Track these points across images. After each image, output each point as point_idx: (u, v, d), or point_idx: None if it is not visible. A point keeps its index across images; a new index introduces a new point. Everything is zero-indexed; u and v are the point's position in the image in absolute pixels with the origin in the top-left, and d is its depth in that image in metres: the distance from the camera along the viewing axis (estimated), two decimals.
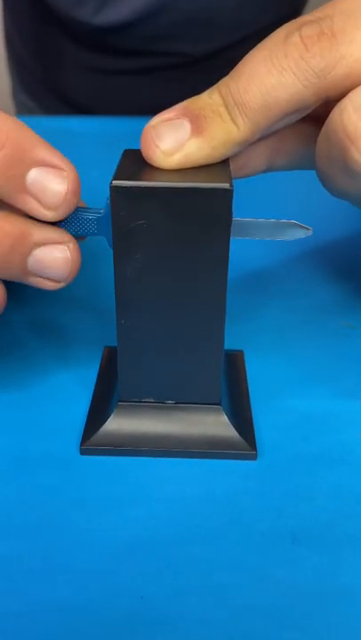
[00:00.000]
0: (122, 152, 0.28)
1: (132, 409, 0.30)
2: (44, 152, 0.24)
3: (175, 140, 0.25)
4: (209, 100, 0.26)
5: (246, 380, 0.32)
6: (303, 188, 0.56)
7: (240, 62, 0.26)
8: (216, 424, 0.29)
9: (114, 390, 0.31)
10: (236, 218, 0.26)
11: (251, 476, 0.28)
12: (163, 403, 0.29)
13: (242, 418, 0.30)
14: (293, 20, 0.25)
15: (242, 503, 0.26)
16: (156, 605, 0.23)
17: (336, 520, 0.26)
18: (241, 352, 0.34)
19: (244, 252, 0.44)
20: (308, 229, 0.26)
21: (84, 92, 0.74)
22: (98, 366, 0.34)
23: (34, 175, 0.23)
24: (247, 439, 0.29)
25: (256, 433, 0.29)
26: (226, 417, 0.29)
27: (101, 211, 0.26)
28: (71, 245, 0.26)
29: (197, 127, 0.25)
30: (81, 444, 0.29)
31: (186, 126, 0.25)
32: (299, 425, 0.30)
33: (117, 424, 0.30)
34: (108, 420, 0.30)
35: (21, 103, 0.82)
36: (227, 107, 0.25)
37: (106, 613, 0.23)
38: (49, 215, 0.24)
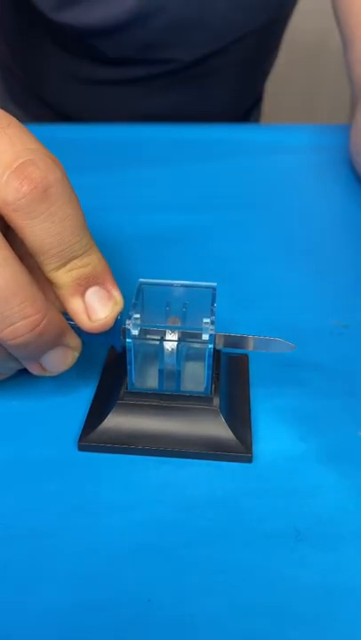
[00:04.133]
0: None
1: (131, 407, 0.30)
2: (109, 279, 0.29)
3: None
4: None
5: (248, 383, 0.33)
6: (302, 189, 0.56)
7: None
8: (213, 425, 0.30)
9: (115, 389, 0.31)
10: (225, 333, 0.30)
11: (250, 476, 0.29)
12: (162, 401, 0.30)
13: (240, 420, 0.30)
14: None
15: (243, 504, 0.27)
16: (164, 608, 0.24)
17: (338, 518, 0.27)
18: (246, 356, 0.35)
19: (244, 251, 0.45)
20: (292, 346, 0.30)
21: (74, 101, 0.73)
22: (101, 368, 0.34)
23: (93, 290, 0.28)
24: (243, 441, 0.29)
25: (255, 433, 0.30)
26: (223, 418, 0.30)
27: None
28: (76, 354, 0.30)
29: None
30: (79, 441, 0.30)
31: None
32: (297, 424, 0.31)
33: (116, 422, 0.30)
34: (107, 417, 0.30)
35: (7, 110, 0.80)
36: None
37: (113, 617, 0.23)
38: (87, 324, 0.28)
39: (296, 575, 0.25)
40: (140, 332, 0.29)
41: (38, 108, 0.76)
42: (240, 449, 0.29)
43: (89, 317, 0.28)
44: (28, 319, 0.26)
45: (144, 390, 0.30)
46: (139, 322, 0.28)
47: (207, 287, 0.30)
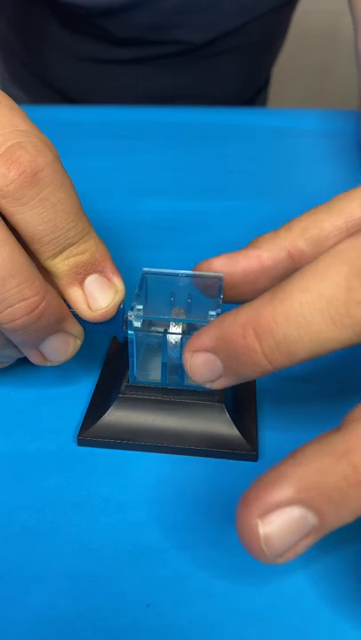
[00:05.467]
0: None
1: (132, 402, 0.29)
2: (109, 267, 0.28)
3: (207, 377, 0.24)
4: (241, 333, 0.22)
5: (255, 381, 0.32)
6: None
7: (282, 302, 0.22)
8: (218, 422, 0.28)
9: (117, 382, 0.30)
10: None
11: (256, 475, 0.27)
12: (165, 395, 0.29)
13: (245, 416, 0.29)
14: (349, 250, 0.21)
15: None
16: (163, 615, 0.23)
17: None
18: None
19: (250, 239, 0.44)
20: None
21: (77, 82, 0.71)
22: (103, 358, 0.33)
23: (92, 279, 0.27)
24: (249, 439, 0.28)
25: (260, 430, 0.29)
26: (228, 414, 0.28)
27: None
28: (78, 342, 0.29)
29: (228, 367, 0.23)
30: (78, 435, 0.29)
31: (218, 366, 0.24)
32: (304, 422, 0.30)
33: (117, 416, 0.29)
34: (108, 411, 0.29)
35: (10, 94, 0.78)
36: (262, 344, 0.22)
37: (110, 623, 0.22)
38: (87, 314, 0.28)
39: (301, 579, 0.24)
40: (143, 323, 0.28)
41: (40, 89, 0.75)
42: (245, 446, 0.28)
43: (89, 307, 0.27)
44: (27, 301, 0.25)
45: (146, 384, 0.29)
46: (141, 313, 0.27)
47: (214, 277, 0.29)
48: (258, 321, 0.22)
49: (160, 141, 0.57)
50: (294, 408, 0.31)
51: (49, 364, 0.29)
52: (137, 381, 0.29)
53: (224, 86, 0.73)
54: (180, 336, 0.27)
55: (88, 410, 0.30)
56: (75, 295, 0.27)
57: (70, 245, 0.26)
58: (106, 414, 0.29)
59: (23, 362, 0.32)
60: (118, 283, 0.28)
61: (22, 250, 0.25)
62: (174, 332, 0.27)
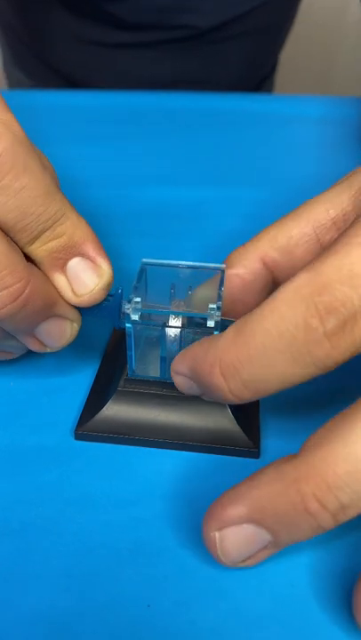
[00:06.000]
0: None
1: (132, 395, 0.28)
2: (92, 248, 0.26)
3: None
4: (208, 371, 0.23)
5: None
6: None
7: (246, 344, 0.22)
8: (219, 417, 0.28)
9: (116, 375, 0.29)
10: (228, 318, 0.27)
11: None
12: (165, 389, 0.28)
13: (247, 412, 0.28)
14: (305, 287, 0.21)
15: None
16: (164, 615, 0.22)
17: None
18: None
19: (253, 228, 0.43)
20: None
21: (81, 66, 0.70)
22: (104, 349, 0.32)
23: (74, 263, 0.26)
24: (250, 436, 0.28)
25: (262, 427, 0.28)
26: (230, 410, 0.28)
27: (110, 298, 0.27)
28: (75, 326, 0.28)
29: (201, 393, 0.25)
30: (76, 429, 0.28)
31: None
32: (307, 420, 0.29)
33: (115, 410, 0.28)
34: (106, 405, 0.28)
35: (13, 76, 0.77)
36: (229, 383, 0.22)
37: (109, 624, 0.22)
38: (73, 300, 0.27)
39: (303, 580, 0.23)
40: (142, 316, 0.27)
41: (43, 72, 0.73)
42: (247, 443, 0.27)
43: (74, 292, 0.26)
44: (9, 289, 0.24)
45: (145, 378, 0.29)
46: (139, 306, 0.26)
47: (215, 269, 0.28)
48: (223, 360, 0.22)
49: (162, 127, 0.56)
50: (297, 404, 0.30)
51: (48, 350, 0.28)
52: (136, 375, 0.28)
53: (230, 72, 0.71)
54: (179, 329, 0.27)
55: (86, 403, 0.29)
56: (58, 281, 0.26)
57: (45, 230, 0.25)
58: (104, 408, 0.28)
59: (22, 355, 0.32)
60: (103, 264, 0.26)
61: (4, 236, 0.24)
62: (173, 326, 0.27)
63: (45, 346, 0.28)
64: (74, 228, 0.26)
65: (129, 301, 0.26)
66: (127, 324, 0.27)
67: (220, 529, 0.21)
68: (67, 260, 0.26)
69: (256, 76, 0.76)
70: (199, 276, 0.29)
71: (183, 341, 0.27)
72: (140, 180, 0.48)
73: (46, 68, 0.73)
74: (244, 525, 0.21)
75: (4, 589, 0.23)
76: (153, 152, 0.52)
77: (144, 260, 0.28)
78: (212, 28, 0.65)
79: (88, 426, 0.28)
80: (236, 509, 0.21)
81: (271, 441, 0.28)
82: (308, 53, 1.38)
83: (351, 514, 0.20)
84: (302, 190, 0.48)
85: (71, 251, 0.26)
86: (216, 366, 0.22)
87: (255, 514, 0.21)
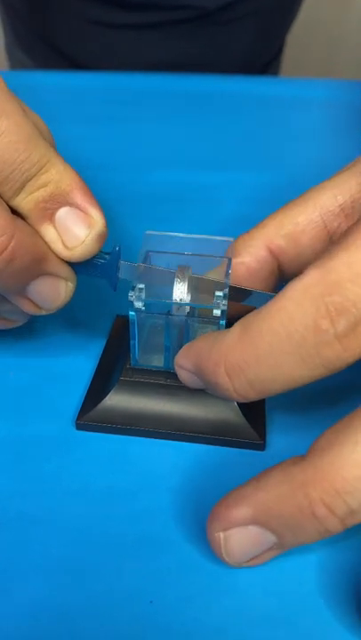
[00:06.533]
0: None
1: (134, 385, 0.28)
2: (80, 196, 0.25)
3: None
4: (212, 370, 0.22)
5: None
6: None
7: (252, 344, 0.21)
8: (224, 408, 0.27)
9: (118, 364, 0.28)
10: (237, 285, 0.27)
11: (261, 466, 0.26)
12: (168, 379, 0.27)
13: (253, 406, 0.28)
14: (315, 286, 0.20)
15: None
16: (167, 611, 0.22)
17: None
18: None
19: (258, 213, 0.42)
20: None
21: (84, 47, 0.68)
22: (106, 337, 0.32)
23: (62, 213, 0.24)
24: (256, 427, 0.27)
25: (268, 421, 0.28)
26: (235, 402, 0.27)
27: (107, 256, 0.26)
28: (70, 285, 0.26)
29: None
30: (77, 419, 0.27)
31: None
32: (313, 414, 0.28)
33: (118, 400, 0.28)
34: (108, 395, 0.28)
35: (15, 57, 0.75)
36: (234, 383, 0.22)
37: (111, 619, 0.21)
38: (64, 253, 0.25)
39: (308, 576, 0.23)
40: (146, 304, 0.26)
41: (45, 52, 0.72)
42: (253, 435, 0.27)
43: (64, 245, 0.25)
44: None
45: (149, 367, 0.28)
46: (143, 293, 0.26)
47: (222, 241, 0.27)
48: (228, 360, 0.22)
49: (165, 110, 0.55)
50: (303, 397, 0.29)
51: (44, 313, 0.27)
52: (139, 364, 0.28)
53: (235, 55, 0.70)
54: (184, 318, 0.26)
55: (87, 393, 0.28)
56: (47, 234, 0.25)
57: (29, 179, 0.23)
58: (106, 398, 0.28)
59: (21, 340, 0.31)
60: (94, 213, 0.25)
61: None
62: (178, 315, 0.26)
63: (39, 307, 0.26)
64: (60, 175, 0.24)
65: (132, 288, 0.26)
66: (130, 312, 0.26)
67: (224, 529, 0.21)
68: (54, 210, 0.24)
69: (262, 59, 0.75)
70: (205, 244, 0.28)
71: (188, 330, 0.26)
72: (141, 164, 0.47)
73: (49, 50, 0.71)
74: (250, 527, 0.20)
75: (2, 583, 0.22)
76: (155, 135, 0.51)
77: (147, 232, 0.27)
78: (218, 9, 0.64)
79: (89, 416, 0.27)
80: (241, 511, 0.20)
81: (277, 433, 0.27)
82: (313, 36, 1.36)
83: (360, 518, 0.19)
84: (307, 174, 0.47)
85: (59, 200, 0.24)
86: (221, 365, 0.22)
87: (261, 516, 0.20)
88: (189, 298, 0.25)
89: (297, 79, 0.62)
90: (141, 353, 0.28)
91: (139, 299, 0.26)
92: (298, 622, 0.21)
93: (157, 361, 0.28)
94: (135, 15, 0.64)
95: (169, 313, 0.26)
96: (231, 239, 0.27)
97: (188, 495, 0.25)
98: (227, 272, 0.26)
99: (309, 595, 0.22)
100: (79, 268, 0.26)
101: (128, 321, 0.26)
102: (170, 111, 0.55)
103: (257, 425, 0.27)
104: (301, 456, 0.20)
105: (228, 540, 0.21)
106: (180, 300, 0.25)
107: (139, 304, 0.26)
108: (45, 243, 0.25)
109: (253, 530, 0.20)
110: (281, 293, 0.21)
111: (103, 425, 0.27)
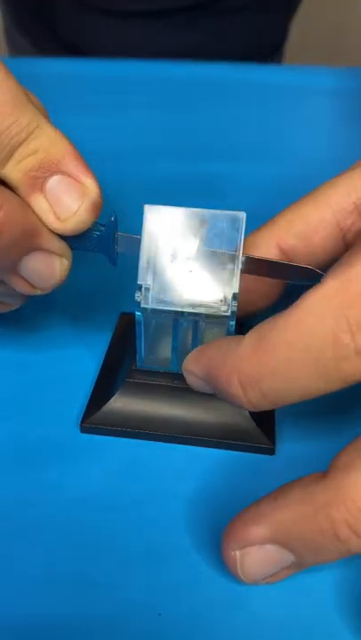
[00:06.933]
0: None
1: (140, 387, 0.27)
2: (73, 164, 0.23)
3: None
4: (225, 381, 0.21)
5: None
6: None
7: (267, 357, 0.20)
8: (233, 411, 0.26)
9: (124, 365, 0.28)
10: (250, 254, 0.25)
11: (271, 471, 0.25)
12: (176, 381, 0.26)
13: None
14: (334, 297, 0.19)
15: None
16: (176, 624, 0.21)
17: None
18: None
19: (263, 208, 0.41)
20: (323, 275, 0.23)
21: (86, 34, 0.67)
22: (110, 335, 0.31)
23: (53, 182, 0.23)
24: (266, 432, 0.26)
25: (278, 425, 0.27)
26: None
27: (102, 228, 0.25)
28: (65, 261, 0.25)
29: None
30: (81, 422, 0.27)
31: None
32: (324, 419, 0.28)
33: (123, 403, 0.27)
34: (113, 397, 0.27)
35: (15, 42, 0.74)
36: (247, 394, 0.21)
37: (117, 633, 0.21)
38: (56, 225, 0.24)
39: (318, 587, 0.22)
40: (152, 302, 0.25)
41: (46, 38, 0.70)
42: (262, 439, 0.26)
43: (57, 216, 0.23)
44: None
45: (155, 369, 0.27)
46: (150, 293, 0.25)
47: (233, 215, 0.25)
48: (242, 371, 0.21)
49: (167, 98, 0.53)
50: (313, 400, 0.28)
51: (39, 292, 0.25)
52: (145, 366, 0.27)
53: (239, 43, 0.69)
54: (193, 318, 0.25)
55: (92, 395, 0.28)
56: (38, 204, 0.23)
57: (18, 146, 0.22)
58: (111, 400, 0.27)
59: (23, 338, 0.30)
60: (87, 181, 0.23)
61: None
62: (185, 312, 0.25)
63: (34, 287, 0.25)
64: (50, 142, 0.23)
65: (139, 289, 0.25)
66: (137, 312, 0.25)
67: (241, 548, 0.20)
68: (45, 179, 0.23)
69: (265, 47, 0.73)
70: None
71: (197, 331, 0.25)
72: (142, 154, 0.46)
73: (49, 35, 0.70)
74: (267, 546, 0.20)
75: (4, 594, 0.22)
76: (156, 124, 0.50)
77: (147, 205, 0.26)
78: None
79: (94, 419, 0.27)
80: (259, 530, 0.20)
81: (287, 437, 0.27)
82: (317, 22, 1.34)
83: None
84: (314, 165, 0.46)
85: (49, 168, 0.23)
86: (234, 376, 0.21)
87: (280, 536, 0.19)
88: (197, 295, 0.24)
89: (303, 67, 0.61)
90: (147, 353, 0.27)
91: (146, 299, 0.25)
92: (312, 638, 0.21)
93: (164, 361, 0.27)
94: (136, 3, 0.63)
95: (177, 313, 0.25)
96: (242, 214, 0.25)
97: (198, 502, 0.24)
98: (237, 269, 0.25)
99: (324, 609, 0.21)
100: (74, 242, 0.25)
101: (133, 318, 0.25)
102: (172, 99, 0.53)
103: (267, 429, 0.26)
104: (322, 474, 0.19)
105: (245, 559, 0.20)
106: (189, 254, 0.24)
107: (145, 304, 0.25)
108: (36, 215, 0.23)
109: (271, 549, 0.20)
110: (298, 304, 0.20)
111: (108, 428, 0.26)
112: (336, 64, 0.63)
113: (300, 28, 0.85)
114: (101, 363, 0.29)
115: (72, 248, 0.25)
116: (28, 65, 0.61)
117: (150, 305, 0.24)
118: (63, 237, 0.24)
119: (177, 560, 0.23)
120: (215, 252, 0.25)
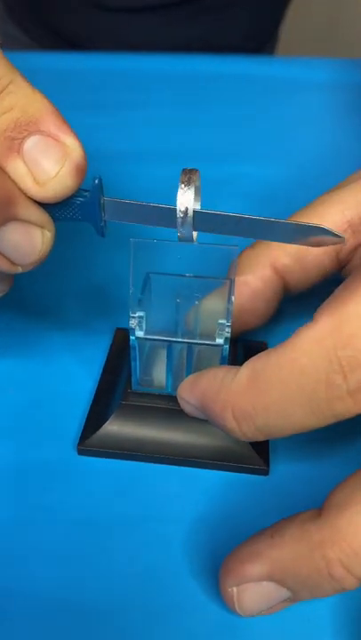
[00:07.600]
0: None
1: (135, 410, 0.27)
2: (52, 122, 0.21)
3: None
4: (220, 414, 0.22)
5: None
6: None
7: (261, 394, 0.20)
8: (227, 435, 0.26)
9: (119, 386, 0.28)
10: (252, 216, 0.23)
11: (266, 490, 0.26)
12: (171, 403, 0.27)
13: None
14: (328, 338, 0.19)
15: (260, 524, 0.24)
16: None
17: None
18: (264, 343, 0.31)
19: (265, 209, 0.41)
20: (339, 237, 0.22)
21: (83, 28, 0.65)
22: (106, 352, 0.31)
23: (32, 143, 0.21)
24: (260, 453, 0.26)
25: (272, 446, 0.27)
26: None
27: (86, 194, 0.22)
28: (47, 233, 0.22)
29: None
30: (78, 444, 0.27)
31: None
32: (318, 439, 0.28)
33: (119, 425, 0.27)
34: (109, 420, 0.27)
35: (7, 33, 0.72)
36: (241, 427, 0.21)
37: None
38: (34, 190, 0.21)
39: (324, 622, 0.22)
40: (147, 331, 0.25)
41: (42, 31, 0.69)
42: (256, 461, 0.26)
43: (36, 180, 0.21)
44: None
45: (150, 391, 0.27)
46: (144, 322, 0.25)
47: (228, 248, 0.25)
48: (237, 406, 0.21)
49: (165, 94, 0.53)
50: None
51: (20, 270, 0.23)
52: (140, 388, 0.27)
53: (233, 37, 0.68)
54: (186, 344, 0.25)
55: (88, 417, 0.28)
56: (14, 168, 0.21)
57: None
58: (107, 423, 0.27)
59: (18, 356, 0.30)
60: (68, 140, 0.21)
61: None
62: (180, 341, 0.25)
63: (14, 263, 0.23)
64: (27, 99, 0.21)
65: (133, 314, 0.25)
66: (131, 337, 0.25)
67: (238, 585, 0.21)
68: (22, 140, 0.20)
69: (261, 39, 0.72)
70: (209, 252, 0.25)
71: (190, 355, 0.25)
72: (136, 155, 0.45)
73: (45, 28, 0.68)
74: (264, 583, 0.20)
75: (2, 616, 0.22)
76: (150, 122, 0.49)
77: (132, 239, 0.24)
78: None
79: (90, 442, 0.27)
80: (255, 568, 0.20)
81: (281, 458, 0.27)
82: (313, 12, 1.32)
83: None
84: (309, 165, 0.46)
85: (26, 127, 0.20)
86: (228, 410, 0.21)
87: (276, 574, 0.20)
88: (191, 323, 0.25)
89: (298, 59, 0.60)
90: (143, 375, 0.27)
91: (140, 327, 0.25)
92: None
93: (159, 383, 0.27)
94: None
95: (170, 340, 0.25)
96: (236, 247, 0.25)
97: (194, 524, 0.25)
98: (229, 296, 0.25)
99: (321, 636, 0.22)
100: (56, 211, 0.22)
101: (128, 334, 0.25)
102: (166, 95, 0.53)
103: (261, 451, 0.26)
104: (317, 511, 0.20)
105: (242, 595, 0.21)
106: (186, 208, 0.24)
107: (140, 333, 0.25)
108: (12, 180, 0.21)
109: (268, 585, 0.20)
110: (292, 341, 0.20)
111: (105, 451, 0.27)
112: (331, 55, 0.62)
113: (293, 19, 0.84)
114: (97, 381, 0.30)
115: (54, 219, 0.23)
116: (22, 59, 0.60)
117: (143, 335, 0.25)
118: (44, 206, 0.22)
119: (174, 583, 0.23)
120: (206, 280, 0.25)
